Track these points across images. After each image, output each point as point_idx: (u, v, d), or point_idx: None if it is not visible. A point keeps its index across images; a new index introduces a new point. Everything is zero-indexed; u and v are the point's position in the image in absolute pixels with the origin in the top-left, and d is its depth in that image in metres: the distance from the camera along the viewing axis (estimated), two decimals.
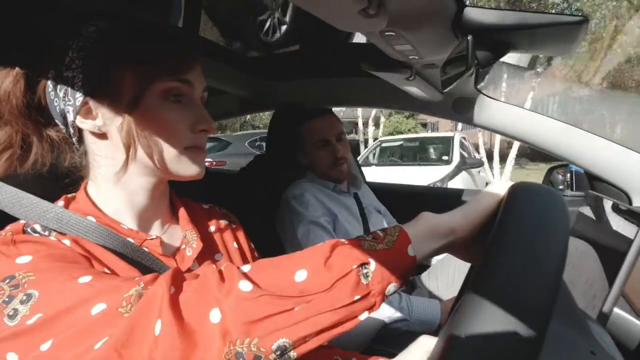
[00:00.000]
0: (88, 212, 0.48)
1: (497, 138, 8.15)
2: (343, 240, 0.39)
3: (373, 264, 0.37)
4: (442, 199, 1.67)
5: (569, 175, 1.56)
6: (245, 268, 0.37)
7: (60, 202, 0.49)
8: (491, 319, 0.32)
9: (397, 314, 0.98)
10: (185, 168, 0.50)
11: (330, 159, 1.16)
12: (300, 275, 0.36)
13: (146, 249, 0.48)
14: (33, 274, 0.37)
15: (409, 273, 0.40)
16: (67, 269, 0.39)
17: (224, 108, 1.52)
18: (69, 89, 0.46)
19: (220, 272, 0.37)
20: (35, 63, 0.47)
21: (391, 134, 13.53)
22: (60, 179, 0.51)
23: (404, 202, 1.52)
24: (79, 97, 0.46)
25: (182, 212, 0.56)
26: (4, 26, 0.49)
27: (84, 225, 0.45)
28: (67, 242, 0.43)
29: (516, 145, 7.38)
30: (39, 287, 0.37)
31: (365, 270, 0.37)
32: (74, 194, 0.51)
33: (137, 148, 0.47)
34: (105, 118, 0.46)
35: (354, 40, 1.28)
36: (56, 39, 0.47)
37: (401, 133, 13.63)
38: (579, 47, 0.61)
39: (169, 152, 0.48)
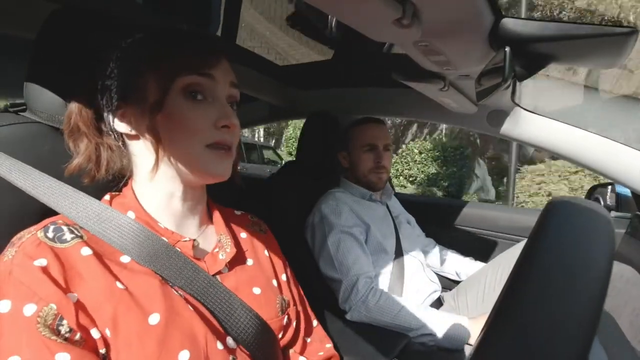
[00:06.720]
0: (130, 207, 0.51)
1: None
2: None
3: None
4: (464, 211, 1.62)
5: (614, 194, 1.45)
6: None
7: (107, 197, 0.52)
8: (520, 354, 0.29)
9: (422, 329, 0.95)
10: (210, 166, 0.50)
11: (373, 164, 1.21)
12: None
13: (179, 250, 0.49)
14: None
15: None
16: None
17: (255, 115, 1.56)
18: (108, 95, 0.50)
19: None
20: (90, 76, 0.51)
21: None
22: (113, 180, 0.54)
23: (428, 213, 1.49)
24: (115, 102, 0.50)
25: (218, 217, 0.58)
26: (69, 44, 0.53)
27: (119, 224, 0.46)
28: (87, 250, 0.44)
29: None
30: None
31: None
32: (120, 190, 0.54)
33: (163, 148, 0.49)
34: (135, 120, 0.50)
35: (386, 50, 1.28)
36: (103, 53, 0.51)
37: None
38: (626, 60, 0.58)
39: (192, 150, 0.49)
